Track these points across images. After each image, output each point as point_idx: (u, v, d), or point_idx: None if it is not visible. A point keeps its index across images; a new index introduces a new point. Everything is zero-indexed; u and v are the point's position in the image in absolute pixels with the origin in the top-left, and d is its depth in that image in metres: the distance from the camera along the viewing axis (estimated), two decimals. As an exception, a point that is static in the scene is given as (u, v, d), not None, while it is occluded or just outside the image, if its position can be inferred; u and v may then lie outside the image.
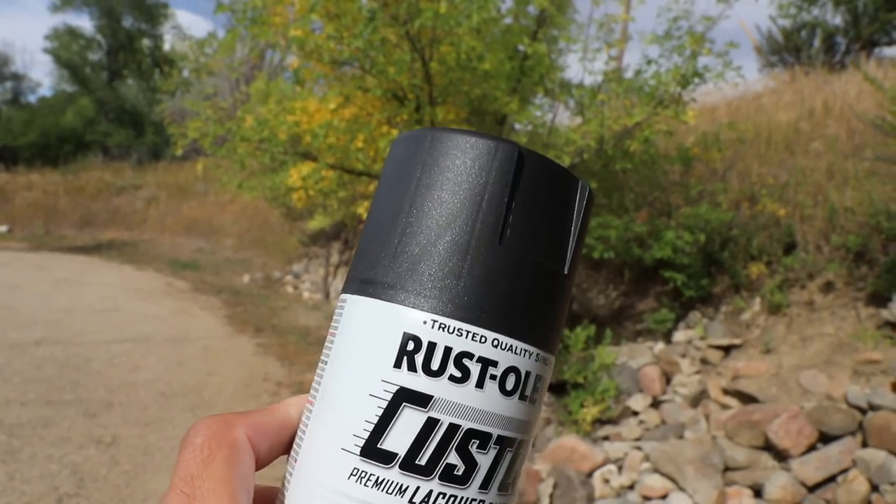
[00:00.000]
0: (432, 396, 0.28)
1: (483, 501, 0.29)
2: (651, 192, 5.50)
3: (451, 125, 4.43)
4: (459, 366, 0.28)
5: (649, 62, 4.76)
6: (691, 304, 5.02)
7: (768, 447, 3.63)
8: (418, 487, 0.28)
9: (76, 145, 23.24)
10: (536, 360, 0.30)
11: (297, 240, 11.01)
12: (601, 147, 4.62)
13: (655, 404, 4.43)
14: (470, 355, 0.28)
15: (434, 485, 0.28)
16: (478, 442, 0.29)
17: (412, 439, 0.28)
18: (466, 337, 0.29)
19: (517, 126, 5.62)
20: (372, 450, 0.28)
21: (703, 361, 4.56)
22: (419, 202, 0.31)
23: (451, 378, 0.28)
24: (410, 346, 0.29)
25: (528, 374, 0.30)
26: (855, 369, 3.91)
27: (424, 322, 0.29)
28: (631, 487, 3.75)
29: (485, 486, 0.29)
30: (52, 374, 5.40)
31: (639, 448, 3.98)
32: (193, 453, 0.29)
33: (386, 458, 0.28)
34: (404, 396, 0.28)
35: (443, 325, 0.29)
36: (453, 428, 0.28)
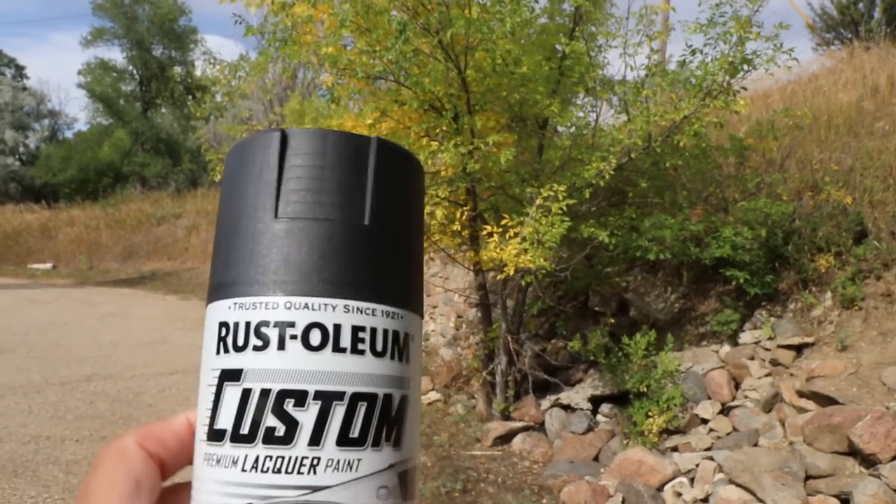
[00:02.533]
0: (242, 369, 0.30)
1: (318, 458, 0.29)
2: (705, 188, 5.29)
3: (491, 132, 4.30)
4: (259, 335, 0.30)
5: (694, 52, 4.58)
6: (756, 302, 4.79)
7: (853, 452, 3.41)
8: (246, 456, 0.29)
9: (114, 177, 23.71)
10: (356, 313, 0.30)
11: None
12: (649, 145, 4.44)
13: (725, 411, 4.23)
14: (266, 323, 0.30)
15: (259, 450, 0.29)
16: (293, 401, 0.29)
17: (234, 413, 0.30)
18: (259, 308, 0.30)
19: (560, 128, 5.47)
20: (211, 432, 0.31)
21: (774, 363, 4.33)
22: (222, 208, 0.34)
23: (255, 348, 0.30)
24: (223, 332, 0.31)
25: (338, 327, 0.30)
26: (945, 364, 3.65)
27: (229, 308, 0.31)
28: (705, 500, 3.57)
29: (315, 441, 0.29)
30: (105, 409, 5.42)
31: (710, 458, 3.80)
32: (90, 467, 0.33)
33: (219, 435, 0.30)
34: (224, 377, 0.31)
35: (241, 304, 0.31)
36: (265, 392, 0.29)
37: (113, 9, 24.20)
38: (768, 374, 4.29)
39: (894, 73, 5.96)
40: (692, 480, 3.75)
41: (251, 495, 0.29)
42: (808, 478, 3.38)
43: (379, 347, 0.31)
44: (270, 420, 0.29)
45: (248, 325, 0.30)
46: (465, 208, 4.63)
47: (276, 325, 0.30)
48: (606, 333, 4.94)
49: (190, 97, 23.24)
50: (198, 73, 23.68)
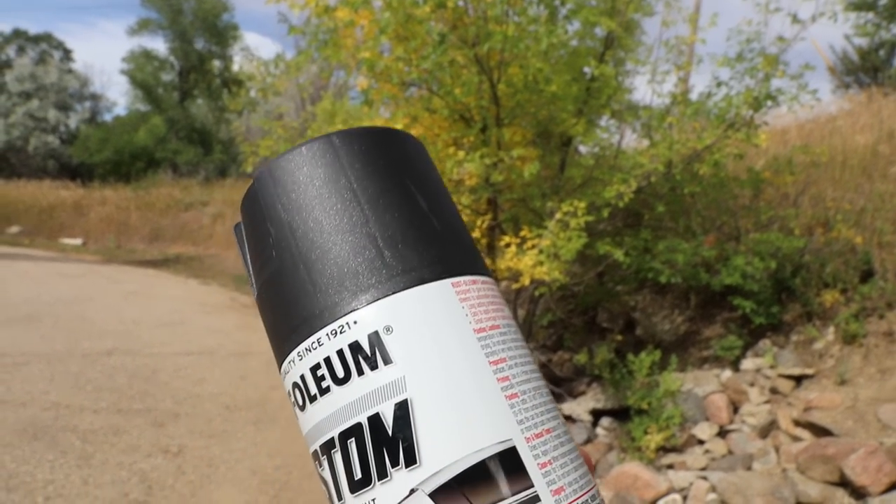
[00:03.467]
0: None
1: None
2: (719, 217, 5.39)
3: (517, 146, 4.44)
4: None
5: (719, 84, 4.70)
6: (760, 331, 4.88)
7: (844, 483, 3.48)
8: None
9: (147, 162, 24.09)
10: (307, 354, 0.29)
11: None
12: (669, 171, 4.55)
13: (722, 433, 4.31)
14: (297, 386, 0.30)
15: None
16: (318, 463, 0.29)
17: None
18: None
19: (582, 148, 5.59)
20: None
21: (773, 391, 4.42)
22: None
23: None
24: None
25: (303, 377, 0.29)
26: (938, 405, 3.73)
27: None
28: (697, 519, 3.65)
29: (339, 497, 0.28)
30: (123, 383, 5.57)
31: (704, 478, 3.87)
32: None
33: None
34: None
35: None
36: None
37: (160, 1, 24.70)
38: (767, 402, 4.38)
39: (910, 119, 6.04)
40: (685, 498, 3.83)
41: None
42: (797, 505, 3.47)
43: (340, 374, 0.28)
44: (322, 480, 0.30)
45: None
46: (485, 217, 4.75)
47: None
48: (612, 349, 5.04)
49: (226, 90, 23.58)
50: (235, 67, 24.08)
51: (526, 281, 4.18)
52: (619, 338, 5.31)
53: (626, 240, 4.85)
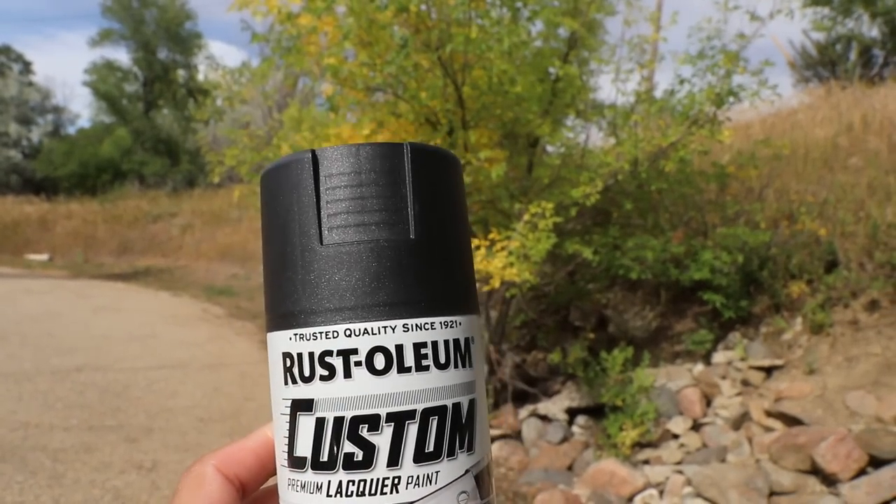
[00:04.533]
0: (313, 399, 0.31)
1: (398, 477, 0.30)
2: (687, 212, 5.45)
3: (484, 148, 4.45)
4: (324, 365, 0.31)
5: (682, 82, 4.75)
6: (730, 324, 4.94)
7: (815, 471, 3.54)
8: (329, 482, 0.30)
9: (113, 174, 23.77)
10: (416, 330, 0.31)
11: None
12: (635, 168, 4.59)
13: (696, 427, 4.36)
14: (329, 353, 0.31)
15: (341, 475, 0.30)
16: (367, 426, 0.30)
17: (311, 442, 0.31)
18: (320, 338, 0.31)
19: (549, 148, 5.62)
20: (292, 459, 0.32)
21: (745, 383, 4.48)
22: (266, 236, 0.34)
23: (322, 378, 0.31)
24: (287, 362, 0.32)
25: (400, 347, 0.31)
26: (904, 390, 3.80)
27: (289, 339, 0.32)
28: (673, 512, 3.68)
29: (393, 462, 0.30)
30: (94, 399, 5.49)
31: (680, 472, 3.91)
32: (173, 494, 0.34)
33: (300, 463, 0.31)
34: (296, 407, 0.31)
35: (301, 335, 0.31)
36: (339, 420, 0.30)
37: (121, 11, 24.38)
38: (739, 394, 4.43)
39: (867, 112, 6.15)
40: (661, 493, 3.86)
41: None
42: (771, 494, 3.50)
43: (442, 360, 0.31)
44: (348, 446, 0.30)
45: (311, 355, 0.31)
46: (454, 220, 4.75)
47: (340, 353, 0.30)
48: (585, 348, 5.07)
49: (191, 100, 23.35)
50: (200, 77, 23.86)
51: (496, 283, 4.18)
52: (592, 336, 5.34)
53: (595, 238, 4.88)
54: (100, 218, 19.75)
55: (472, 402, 0.32)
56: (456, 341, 0.32)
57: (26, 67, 28.91)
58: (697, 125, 4.52)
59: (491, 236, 4.30)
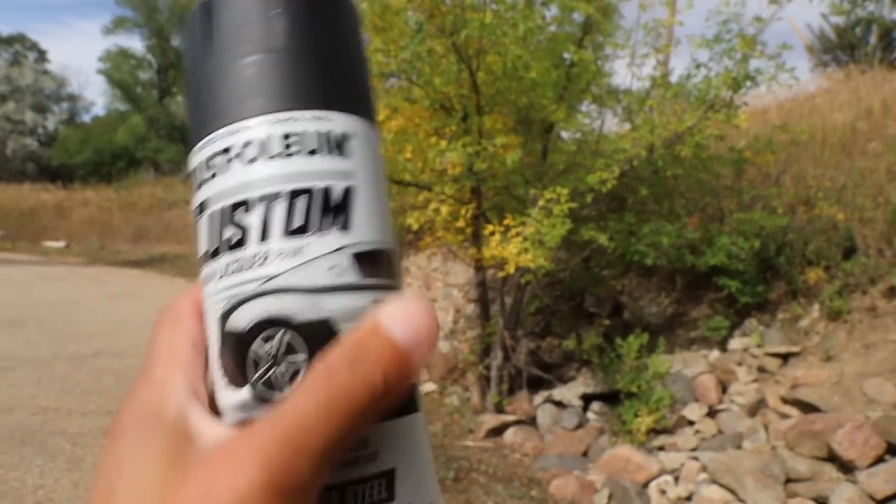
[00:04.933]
0: (204, 199, 0.34)
1: (267, 251, 0.32)
2: (702, 198, 5.41)
3: (499, 134, 4.43)
4: (209, 167, 0.34)
5: (698, 66, 4.70)
6: (746, 310, 4.91)
7: (832, 458, 3.52)
8: (218, 266, 0.33)
9: (128, 162, 23.91)
10: (281, 123, 0.33)
11: (345, 251, 11.08)
12: (651, 154, 4.56)
13: (712, 413, 4.35)
14: (212, 156, 0.34)
15: (225, 258, 0.33)
16: (242, 209, 0.33)
17: (206, 237, 0.34)
18: (207, 146, 0.34)
19: (564, 135, 5.59)
20: (201, 258, 0.35)
21: (761, 370, 4.46)
22: (187, 82, 0.37)
23: (208, 178, 0.34)
24: (192, 178, 0.35)
25: (268, 137, 0.33)
26: (923, 377, 3.77)
27: (192, 157, 0.35)
28: (688, 499, 3.68)
29: (263, 237, 0.32)
30: (111, 384, 5.54)
31: (695, 458, 3.91)
32: (151, 333, 0.36)
33: (203, 259, 0.34)
34: (195, 213, 0.35)
35: (196, 150, 0.35)
36: (221, 211, 0.33)
37: (135, -1, 24.47)
38: (755, 381, 4.41)
39: (888, 96, 6.07)
40: (677, 479, 3.86)
41: (225, 296, 0.33)
42: (788, 481, 3.49)
43: (311, 147, 0.33)
44: (227, 231, 0.33)
45: (201, 163, 0.34)
46: (469, 206, 4.75)
47: (218, 154, 0.34)
48: (600, 334, 5.06)
49: (206, 86, 23.37)
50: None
51: (511, 269, 4.18)
52: (607, 322, 5.33)
53: (611, 224, 4.86)
54: (115, 205, 19.87)
55: (348, 189, 0.34)
56: (327, 133, 0.34)
57: (41, 56, 29.09)
58: (714, 110, 4.47)
59: (506, 222, 4.29)
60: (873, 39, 10.19)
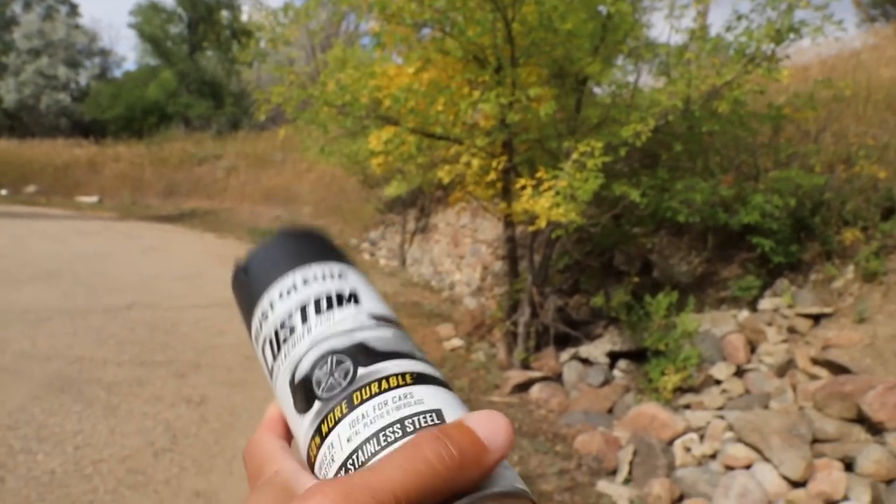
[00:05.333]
0: (258, 331, 0.44)
1: (308, 325, 0.41)
2: (738, 155, 5.29)
3: (534, 86, 4.35)
4: (263, 313, 0.44)
5: (739, 18, 4.55)
6: (779, 270, 4.83)
7: (861, 420, 3.49)
8: (280, 362, 0.41)
9: (159, 117, 24.03)
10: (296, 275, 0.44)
11: (374, 207, 11.11)
12: (688, 108, 4.46)
13: (739, 373, 4.32)
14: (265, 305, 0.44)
15: (284, 347, 0.41)
16: (287, 319, 0.42)
17: (268, 351, 0.43)
18: (259, 308, 0.45)
19: (596, 90, 5.49)
20: (269, 374, 0.43)
21: (791, 330, 4.40)
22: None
23: (260, 317, 0.44)
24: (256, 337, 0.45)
25: (295, 284, 0.44)
26: (959, 340, 3.69)
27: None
28: (713, 457, 3.68)
29: (304, 320, 0.41)
30: (144, 336, 5.66)
31: (721, 417, 3.90)
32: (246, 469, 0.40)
33: (270, 373, 0.42)
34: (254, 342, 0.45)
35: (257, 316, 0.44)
36: (274, 328, 0.43)
37: (165, -50, 24.31)
38: (784, 341, 4.36)
39: (938, 50, 5.85)
40: (702, 437, 3.86)
41: (289, 367, 0.41)
42: (814, 441, 3.47)
43: (320, 279, 0.44)
44: (282, 335, 0.42)
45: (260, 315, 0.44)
46: (501, 159, 4.70)
47: (267, 304, 0.44)
48: (629, 292, 5.03)
49: (235, 42, 23.32)
50: (244, 17, 23.76)
51: (542, 223, 4.15)
52: (636, 280, 5.29)
53: (643, 180, 4.79)
54: (146, 160, 20.06)
55: (353, 291, 0.44)
56: (329, 267, 0.44)
57: (73, 10, 29.16)
58: (754, 63, 4.34)
59: (538, 175, 4.24)
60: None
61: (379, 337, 0.41)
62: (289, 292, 0.43)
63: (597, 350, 4.90)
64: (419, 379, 0.39)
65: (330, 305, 0.41)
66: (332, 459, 0.37)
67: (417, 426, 0.36)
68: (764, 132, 5.37)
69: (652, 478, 3.56)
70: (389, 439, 0.35)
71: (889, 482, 3.17)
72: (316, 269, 0.44)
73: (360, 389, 0.38)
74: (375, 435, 0.36)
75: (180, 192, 18.30)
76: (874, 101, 5.53)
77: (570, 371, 4.90)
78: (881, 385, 3.44)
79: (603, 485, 3.61)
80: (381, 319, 0.42)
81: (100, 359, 4.99)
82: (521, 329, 5.10)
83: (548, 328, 5.11)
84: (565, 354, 5.05)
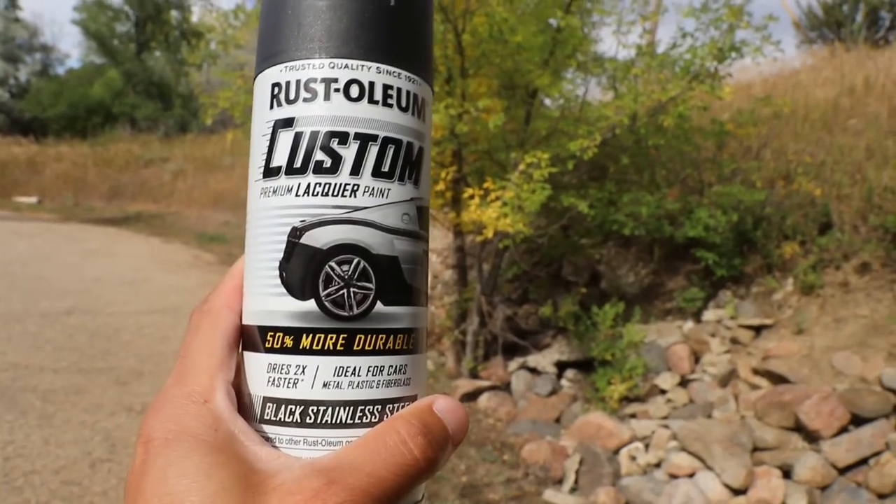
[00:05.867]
0: (294, 117, 0.36)
1: (357, 185, 0.36)
2: (683, 170, 5.42)
3: (483, 98, 4.38)
4: (307, 89, 0.36)
5: (684, 35, 4.67)
6: (722, 283, 4.96)
7: (798, 428, 3.59)
8: (299, 184, 0.36)
9: (104, 117, 23.43)
10: (385, 74, 0.37)
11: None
12: (634, 123, 4.54)
13: (684, 383, 4.40)
14: (314, 80, 0.36)
15: (310, 178, 0.36)
16: (337, 139, 0.36)
17: (288, 151, 0.36)
18: (308, 68, 0.37)
19: (547, 102, 5.55)
20: (267, 170, 0.37)
21: (734, 341, 4.51)
22: None
23: (304, 100, 0.36)
24: (275, 90, 0.37)
25: (372, 83, 0.37)
26: (890, 352, 3.84)
27: (280, 71, 0.37)
28: (658, 465, 3.74)
29: (355, 171, 0.36)
30: (84, 342, 5.49)
31: (666, 426, 3.96)
32: (187, 329, 0.38)
33: (275, 171, 0.37)
34: (277, 125, 0.37)
35: (291, 67, 0.37)
36: (314, 134, 0.36)
37: (113, -55, 23.76)
38: (727, 352, 4.47)
39: (870, 74, 6.09)
40: (647, 446, 3.92)
41: (305, 214, 0.36)
42: (755, 449, 3.56)
43: (403, 103, 0.37)
44: (319, 155, 0.36)
45: (298, 82, 0.37)
46: (450, 169, 4.71)
47: (322, 80, 0.36)
48: (577, 302, 5.09)
49: (185, 43, 22.91)
50: (194, 18, 23.36)
51: (490, 233, 4.17)
52: (584, 290, 5.35)
53: (591, 192, 4.85)
54: (90, 161, 19.52)
55: (421, 149, 0.38)
56: (415, 95, 0.38)
57: (12, 3, 28.21)
58: (698, 80, 4.45)
59: (486, 185, 4.26)
60: (860, 17, 10.21)
61: (412, 256, 0.37)
62: (373, 98, 0.37)
63: (545, 360, 4.94)
64: (415, 345, 0.37)
65: (392, 167, 0.37)
66: (290, 385, 0.35)
67: (393, 412, 0.35)
68: (708, 147, 5.51)
69: (598, 486, 3.60)
70: (365, 419, 0.34)
71: (824, 488, 3.27)
72: (419, 86, 0.39)
73: (366, 333, 0.35)
74: (354, 405, 0.34)
75: (125, 195, 17.85)
76: (811, 119, 5.73)
77: (519, 380, 4.92)
78: (817, 395, 3.56)
79: (549, 494, 3.64)
80: (424, 215, 0.39)
81: (36, 366, 4.83)
82: (469, 338, 5.11)
83: (496, 337, 5.13)
84: (514, 364, 5.08)
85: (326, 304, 0.35)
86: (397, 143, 0.37)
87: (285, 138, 0.37)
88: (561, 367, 4.91)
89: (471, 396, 4.83)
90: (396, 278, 0.36)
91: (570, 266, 5.76)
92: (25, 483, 3.22)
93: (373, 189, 0.36)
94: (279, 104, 0.37)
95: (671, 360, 4.53)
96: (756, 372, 4.16)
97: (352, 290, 0.35)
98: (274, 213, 0.37)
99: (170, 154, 18.60)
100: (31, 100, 24.41)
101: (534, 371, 4.96)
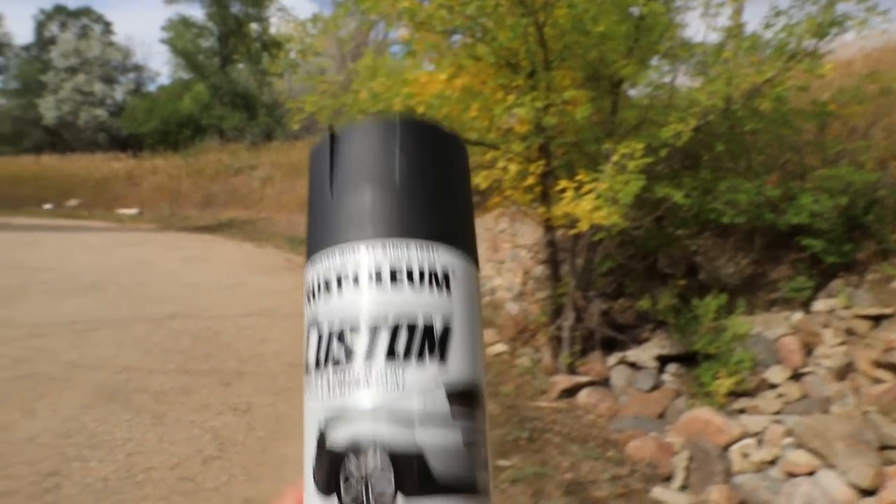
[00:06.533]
0: (316, 314, 0.37)
1: (370, 374, 0.35)
2: (783, 154, 5.15)
3: (568, 90, 4.29)
4: (325, 284, 0.37)
5: (778, 13, 4.43)
6: (832, 271, 4.69)
7: (930, 425, 3.36)
8: (320, 382, 0.36)
9: (194, 129, 24.39)
10: (394, 249, 0.36)
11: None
12: (728, 107, 4.35)
13: (796, 377, 4.19)
14: (329, 274, 0.37)
15: (328, 372, 0.36)
16: (350, 330, 0.35)
17: (314, 349, 0.37)
18: (321, 262, 0.38)
19: (631, 92, 5.39)
20: (305, 367, 0.38)
21: (849, 332, 4.26)
22: (309, 201, 0.41)
23: (322, 295, 0.37)
24: (306, 287, 0.39)
25: (379, 264, 0.36)
26: None
27: (306, 267, 0.39)
28: (772, 463, 3.57)
29: (367, 359, 0.35)
30: (187, 345, 5.72)
31: (779, 422, 3.79)
32: None
33: (307, 368, 0.38)
34: (308, 322, 0.38)
35: (311, 262, 0.39)
36: (330, 328, 0.36)
37: (194, -35, 24.66)
38: (842, 343, 4.22)
39: None
40: (759, 443, 3.75)
41: (325, 416, 0.36)
42: (882, 447, 3.33)
43: (415, 279, 0.36)
44: (334, 348, 0.36)
45: (317, 277, 0.38)
46: (538, 163, 4.65)
47: (335, 271, 0.37)
48: (675, 294, 4.93)
49: (265, 53, 23.58)
50: (273, 29, 24.01)
51: (584, 226, 4.08)
52: (682, 282, 5.18)
53: (686, 181, 4.68)
54: (183, 172, 20.36)
55: (446, 323, 0.36)
56: (431, 267, 0.36)
57: (107, 28, 29.79)
58: (795, 60, 4.22)
59: (578, 178, 4.18)
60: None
61: (445, 448, 0.34)
62: (378, 281, 0.36)
63: (645, 354, 4.81)
64: None
65: (407, 349, 0.35)
66: None
67: None
68: (809, 130, 5.22)
69: (709, 484, 3.47)
70: None
71: (961, 490, 3.04)
72: (434, 255, 0.37)
73: None
74: None
75: (217, 203, 18.51)
76: (924, 93, 5.35)
77: (618, 375, 4.81)
78: (948, 387, 3.32)
79: (658, 491, 3.53)
80: (462, 398, 0.36)
81: (146, 368, 5.06)
82: (565, 334, 5.03)
83: (593, 332, 5.03)
84: (612, 359, 4.97)
85: (347, 502, 0.34)
86: (410, 323, 0.36)
87: (311, 336, 0.38)
88: (662, 361, 4.77)
89: (569, 392, 4.76)
90: (420, 471, 0.34)
91: (666, 258, 5.59)
92: (146, 478, 3.39)
93: (386, 376, 0.35)
94: (308, 302, 0.39)
95: (781, 352, 4.33)
96: (878, 364, 3.91)
97: (370, 492, 0.34)
98: (308, 415, 0.38)
99: (257, 161, 19.17)
100: (126, 117, 25.68)
101: (634, 366, 4.84)
